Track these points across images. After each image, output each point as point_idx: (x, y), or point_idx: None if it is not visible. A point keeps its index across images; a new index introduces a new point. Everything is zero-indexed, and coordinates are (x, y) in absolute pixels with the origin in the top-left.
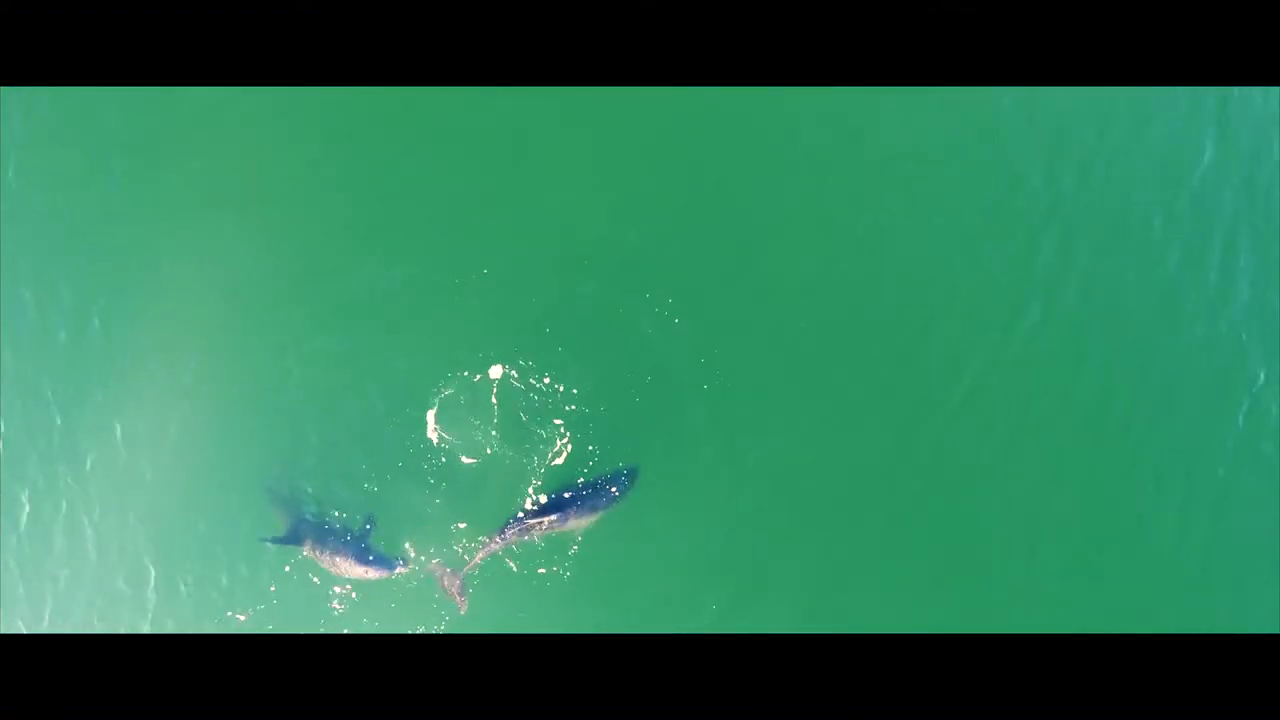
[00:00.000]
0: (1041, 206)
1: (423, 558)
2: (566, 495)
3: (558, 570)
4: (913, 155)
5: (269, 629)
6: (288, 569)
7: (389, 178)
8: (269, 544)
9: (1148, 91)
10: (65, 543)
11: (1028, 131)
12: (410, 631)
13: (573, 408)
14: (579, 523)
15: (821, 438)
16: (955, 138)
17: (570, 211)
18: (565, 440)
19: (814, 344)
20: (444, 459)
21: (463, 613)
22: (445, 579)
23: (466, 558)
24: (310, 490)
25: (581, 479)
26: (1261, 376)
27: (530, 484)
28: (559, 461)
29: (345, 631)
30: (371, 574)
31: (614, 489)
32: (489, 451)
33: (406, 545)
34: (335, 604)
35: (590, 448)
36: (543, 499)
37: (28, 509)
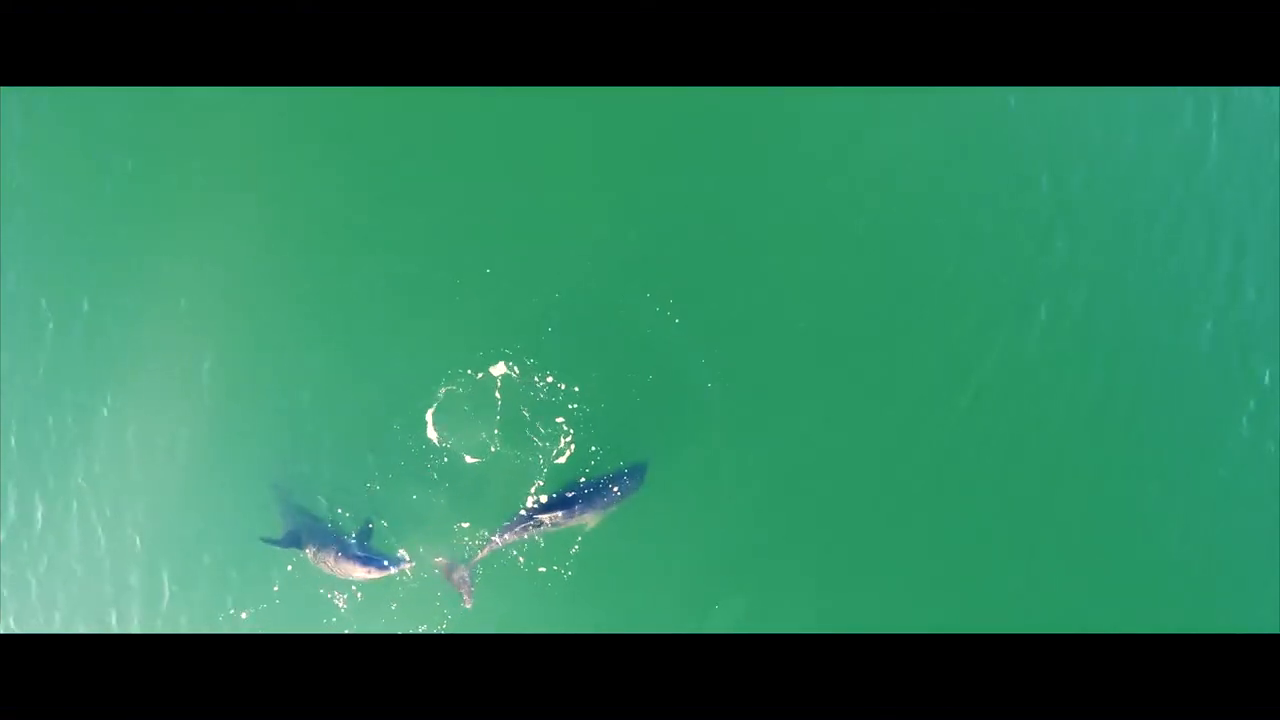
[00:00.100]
0: (1048, 207)
1: (426, 557)
2: (569, 495)
3: (558, 569)
4: (915, 156)
5: (271, 628)
6: (289, 568)
7: (389, 178)
8: (272, 545)
9: (1149, 92)
10: (80, 539)
11: (1028, 132)
12: (411, 631)
13: (575, 406)
14: (585, 519)
15: (822, 438)
16: (957, 138)
17: (570, 211)
18: (569, 439)
19: (814, 344)
20: (446, 458)
21: (468, 606)
22: (452, 573)
23: (471, 554)
24: (312, 491)
25: (583, 478)
26: (1266, 377)
27: (534, 483)
28: (562, 460)
29: (348, 631)
30: (374, 574)
31: (615, 489)
32: (492, 450)
33: (409, 545)
34: (339, 602)
35: (593, 448)
36: (544, 498)
37: (41, 509)
